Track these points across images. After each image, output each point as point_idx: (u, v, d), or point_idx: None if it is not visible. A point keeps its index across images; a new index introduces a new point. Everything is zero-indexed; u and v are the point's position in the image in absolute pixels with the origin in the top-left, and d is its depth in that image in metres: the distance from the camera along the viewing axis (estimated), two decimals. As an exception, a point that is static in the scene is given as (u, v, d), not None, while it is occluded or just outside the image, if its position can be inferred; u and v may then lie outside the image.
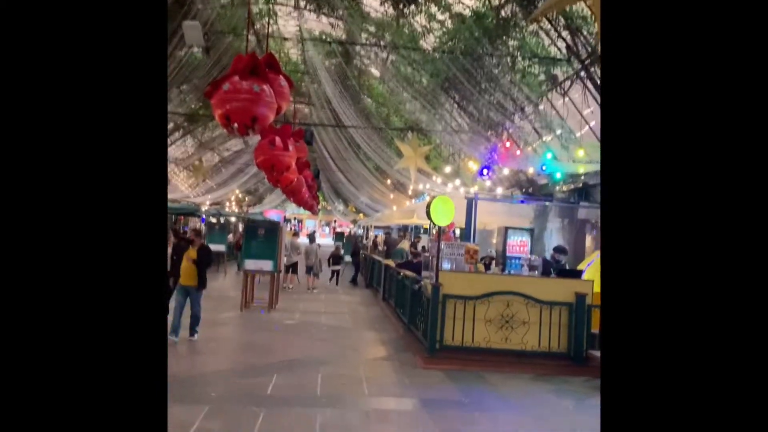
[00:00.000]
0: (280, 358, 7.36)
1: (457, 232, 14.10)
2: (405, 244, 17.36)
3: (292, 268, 15.66)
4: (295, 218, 62.30)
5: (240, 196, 31.49)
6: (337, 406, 5.49)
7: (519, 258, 10.82)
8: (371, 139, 15.14)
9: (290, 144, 11.29)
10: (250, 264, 11.48)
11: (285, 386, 6.08)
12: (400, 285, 10.96)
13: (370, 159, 17.63)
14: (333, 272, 18.15)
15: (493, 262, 9.88)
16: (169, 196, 23.29)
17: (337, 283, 17.68)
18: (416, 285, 9.00)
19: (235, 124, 8.37)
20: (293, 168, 13.21)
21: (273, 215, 49.38)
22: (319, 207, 46.74)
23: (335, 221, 62.07)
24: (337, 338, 9.06)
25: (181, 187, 26.03)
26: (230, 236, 22.86)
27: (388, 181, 20.48)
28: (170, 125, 19.39)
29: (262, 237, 11.60)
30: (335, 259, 18.24)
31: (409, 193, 18.34)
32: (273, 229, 11.79)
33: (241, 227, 18.39)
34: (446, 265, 8.12)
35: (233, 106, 6.78)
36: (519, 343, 7.53)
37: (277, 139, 10.97)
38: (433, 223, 7.67)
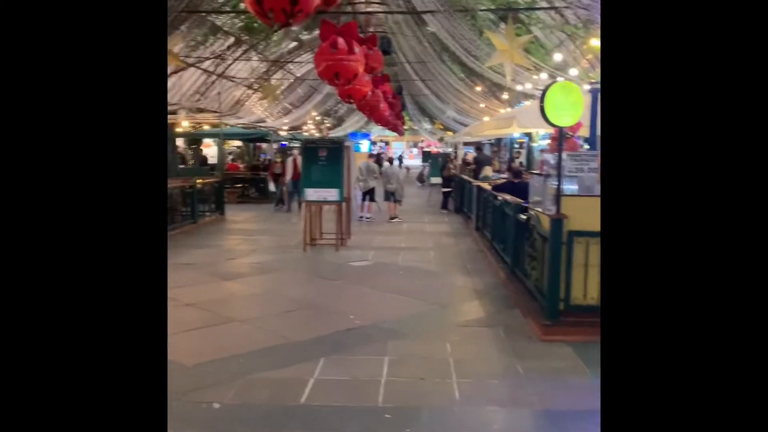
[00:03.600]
0: (335, 326, 5.26)
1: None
2: (488, 171, 14.69)
3: (369, 194, 13.51)
4: (381, 140, 60.16)
5: (318, 118, 29.50)
6: (408, 429, 3.31)
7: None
8: (456, 31, 12.31)
9: (356, 46, 8.97)
10: (312, 194, 9.39)
11: (331, 385, 3.96)
12: (498, 213, 8.50)
13: (456, 59, 14.79)
14: (444, 195, 16.00)
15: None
16: (241, 120, 21.60)
17: (443, 208, 15.59)
18: (522, 215, 6.53)
19: (271, 11, 6.08)
20: (365, 78, 10.89)
21: (360, 139, 47.49)
22: (406, 127, 44.30)
23: (422, 141, 59.30)
24: (418, 288, 6.86)
25: (255, 110, 24.35)
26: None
27: (478, 88, 17.56)
28: (231, 39, 17.34)
29: (324, 160, 9.41)
30: (446, 181, 16.08)
31: (504, 96, 15.41)
32: (337, 149, 9.55)
33: (294, 151, 16.33)
34: (570, 187, 5.56)
35: (265, -15, 4.85)
36: (688, 300, 4.96)
37: (340, 41, 8.70)
38: (550, 123, 5.08)
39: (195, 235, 11.04)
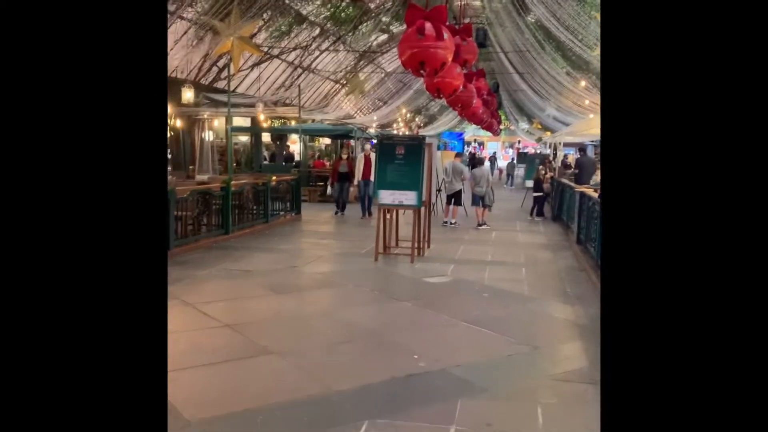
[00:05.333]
0: (392, 369, 4.10)
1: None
2: None
3: (455, 197, 12.24)
4: (475, 140, 58.26)
5: (408, 115, 28.48)
6: None
7: None
8: (563, 11, 10.80)
9: (446, 32, 7.81)
10: (386, 196, 8.30)
11: (367, 473, 2.82)
12: (607, 227, 6.99)
13: (560, 49, 13.20)
14: (535, 200, 14.30)
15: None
16: (327, 116, 20.98)
17: (539, 215, 13.89)
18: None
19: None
20: (456, 71, 9.70)
21: (453, 138, 45.98)
22: (501, 127, 42.30)
23: (519, 141, 56.84)
24: (504, 318, 5.57)
25: (343, 105, 23.73)
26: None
27: (583, 83, 15.80)
28: (316, 31, 16.66)
29: (401, 159, 8.29)
30: (537, 185, 14.24)
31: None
32: (416, 146, 8.39)
33: (366, 146, 13.87)
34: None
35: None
36: None
37: (428, 26, 7.57)
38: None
39: (264, 236, 10.28)
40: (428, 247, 9.18)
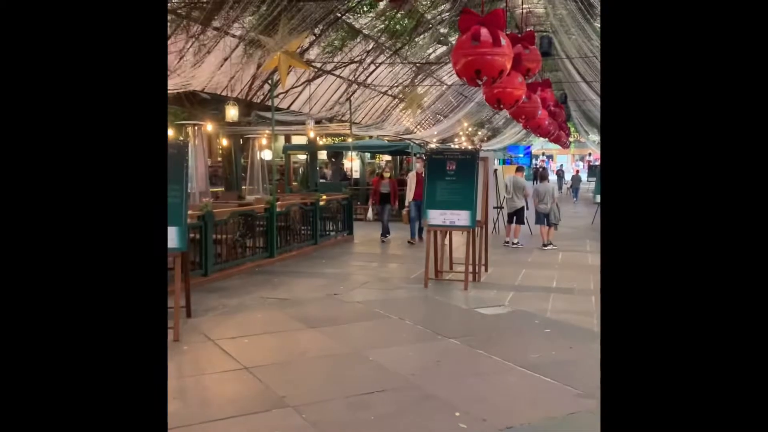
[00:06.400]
0: (426, 434, 3.37)
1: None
2: None
3: (517, 216, 11.32)
4: (543, 153, 56.37)
5: (470, 129, 27.59)
6: None
7: None
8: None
9: (503, 37, 7.14)
10: (436, 216, 7.57)
11: None
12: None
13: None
14: None
15: None
16: (384, 132, 20.47)
17: None
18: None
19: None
20: (518, 80, 8.96)
21: (519, 152, 44.53)
22: (571, 140, 40.55)
23: (590, 154, 54.52)
24: (568, 361, 4.71)
25: (402, 121, 23.18)
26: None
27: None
28: (370, 44, 16.21)
29: (453, 175, 7.55)
30: None
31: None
32: (468, 161, 7.64)
33: (416, 164, 12.14)
34: None
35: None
36: None
37: (484, 32, 6.95)
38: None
39: (310, 258, 9.76)
40: (486, 271, 8.37)
